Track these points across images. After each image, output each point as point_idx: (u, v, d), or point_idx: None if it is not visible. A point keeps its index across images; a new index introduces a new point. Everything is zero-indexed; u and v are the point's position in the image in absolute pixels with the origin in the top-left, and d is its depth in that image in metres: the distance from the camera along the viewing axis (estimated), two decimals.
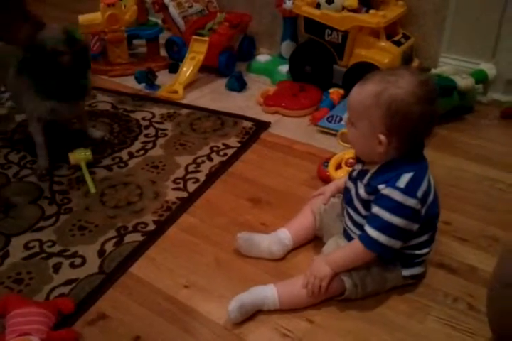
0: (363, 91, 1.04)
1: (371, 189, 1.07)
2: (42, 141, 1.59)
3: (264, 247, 1.25)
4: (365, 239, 1.06)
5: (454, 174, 1.55)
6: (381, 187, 1.04)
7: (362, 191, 1.09)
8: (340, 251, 1.12)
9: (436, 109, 1.05)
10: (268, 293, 1.11)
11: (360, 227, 1.12)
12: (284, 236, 1.26)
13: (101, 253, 1.29)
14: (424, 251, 1.14)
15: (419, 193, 1.04)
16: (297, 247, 1.28)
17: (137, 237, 1.34)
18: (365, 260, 1.09)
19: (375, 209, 1.05)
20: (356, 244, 1.08)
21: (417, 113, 1.01)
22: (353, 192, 1.13)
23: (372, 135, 1.04)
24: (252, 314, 1.11)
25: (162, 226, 1.37)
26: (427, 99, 1.02)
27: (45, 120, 1.57)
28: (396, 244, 1.06)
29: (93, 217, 1.41)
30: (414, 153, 1.08)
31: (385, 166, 1.07)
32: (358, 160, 1.16)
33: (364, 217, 1.10)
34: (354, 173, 1.15)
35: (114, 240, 1.33)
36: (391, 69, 1.13)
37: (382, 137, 1.02)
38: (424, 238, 1.12)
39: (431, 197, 1.08)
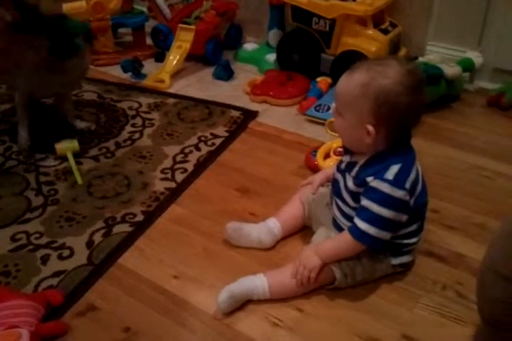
0: (351, 81, 1.03)
1: (359, 181, 1.07)
2: (25, 115, 1.57)
3: (253, 237, 1.25)
4: (355, 231, 1.07)
5: (441, 162, 1.56)
6: (369, 179, 1.04)
7: (350, 183, 1.09)
8: (331, 241, 1.13)
9: (423, 99, 1.05)
10: (258, 282, 1.11)
11: (349, 218, 1.12)
12: (273, 225, 1.26)
13: (89, 244, 1.28)
14: (413, 240, 1.14)
15: (408, 184, 1.04)
16: (287, 236, 1.28)
17: (125, 228, 1.33)
18: (356, 251, 1.09)
19: (364, 202, 1.05)
20: (346, 236, 1.08)
21: (405, 103, 1.00)
22: (341, 184, 1.13)
23: (360, 125, 1.03)
24: (242, 304, 1.11)
25: (150, 217, 1.37)
26: (414, 89, 1.01)
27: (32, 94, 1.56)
28: (386, 235, 1.06)
29: (81, 208, 1.40)
30: (401, 143, 1.07)
31: (373, 158, 1.07)
32: (345, 151, 1.16)
33: (353, 208, 1.10)
34: (342, 165, 1.14)
35: (102, 231, 1.32)
36: (378, 59, 1.12)
37: (370, 127, 1.02)
38: (413, 227, 1.13)
39: (419, 187, 1.09)
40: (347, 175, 1.11)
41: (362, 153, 1.09)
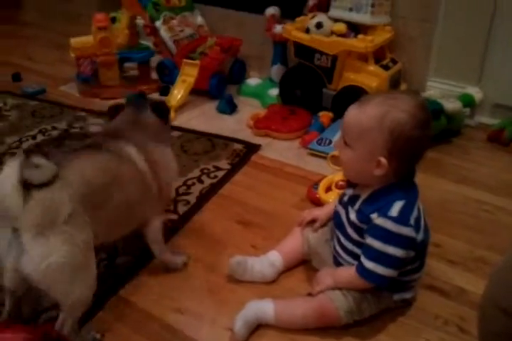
0: (364, 114, 1.03)
1: (363, 217, 1.07)
2: None
3: (256, 271, 1.24)
4: (362, 270, 1.06)
5: (442, 196, 1.56)
6: (373, 216, 1.04)
7: (353, 216, 1.09)
8: (347, 271, 1.12)
9: (431, 133, 1.06)
10: (266, 308, 1.12)
11: (350, 253, 1.12)
12: (274, 258, 1.26)
13: None
14: (415, 276, 1.14)
15: (412, 221, 1.04)
16: (288, 270, 1.28)
17: (129, 260, 1.33)
18: (365, 287, 1.09)
19: (369, 240, 1.05)
20: (353, 271, 1.08)
21: (418, 136, 1.02)
22: (343, 217, 1.13)
23: (372, 157, 1.03)
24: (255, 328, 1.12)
25: None
26: (426, 123, 1.03)
27: None
28: (393, 273, 1.06)
29: None
30: (406, 179, 1.08)
31: (376, 192, 1.07)
32: (348, 184, 1.17)
33: (355, 242, 1.10)
34: (345, 198, 1.15)
35: (105, 262, 1.32)
36: (389, 93, 1.12)
37: (383, 160, 1.02)
38: (415, 264, 1.12)
39: (422, 223, 1.09)
40: (349, 209, 1.11)
41: (365, 187, 1.10)
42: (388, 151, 1.02)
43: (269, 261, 1.25)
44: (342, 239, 1.14)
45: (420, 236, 1.07)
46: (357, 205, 1.10)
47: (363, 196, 1.09)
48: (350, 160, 1.08)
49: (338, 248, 1.16)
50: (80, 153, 1.09)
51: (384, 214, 1.03)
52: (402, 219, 1.03)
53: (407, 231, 1.03)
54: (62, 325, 1.04)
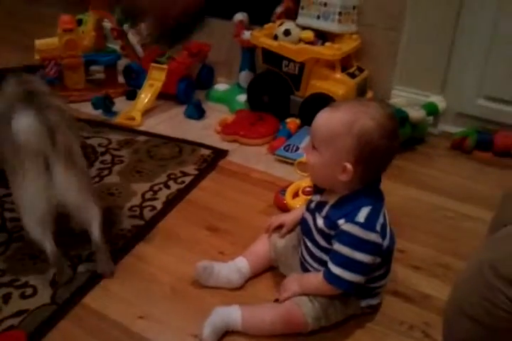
0: (333, 119, 1.04)
1: (330, 223, 1.07)
2: None
3: (222, 277, 1.24)
4: (329, 276, 1.07)
5: (407, 203, 1.59)
6: (340, 222, 1.04)
7: (321, 223, 1.09)
8: (314, 277, 1.11)
9: (397, 143, 1.07)
10: (233, 314, 1.11)
11: (317, 260, 1.12)
12: (242, 264, 1.25)
13: (53, 283, 1.25)
14: (381, 283, 1.15)
15: (378, 227, 1.05)
16: (255, 276, 1.27)
17: (91, 267, 1.30)
18: (333, 293, 1.09)
19: (336, 246, 1.05)
20: (321, 278, 1.08)
21: (385, 146, 1.03)
22: (311, 223, 1.14)
23: (337, 162, 1.04)
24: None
25: (117, 255, 1.34)
26: (393, 133, 1.04)
27: None
28: (360, 279, 1.06)
29: None
30: (372, 186, 1.09)
31: (343, 199, 1.08)
32: (315, 190, 1.17)
33: (322, 248, 1.11)
34: (312, 205, 1.15)
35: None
36: (360, 100, 1.13)
37: (348, 165, 1.03)
38: (381, 271, 1.13)
39: (388, 230, 1.10)
40: (317, 215, 1.11)
41: (332, 193, 1.10)
42: (354, 158, 1.03)
43: (236, 267, 1.25)
44: (310, 245, 1.14)
45: (386, 243, 1.08)
46: (324, 212, 1.10)
47: (330, 202, 1.10)
48: (316, 164, 1.08)
49: (305, 254, 1.17)
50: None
51: (351, 219, 1.04)
52: (368, 225, 1.04)
53: (374, 237, 1.04)
54: (100, 237, 1.26)
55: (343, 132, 1.02)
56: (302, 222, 1.19)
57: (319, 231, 1.10)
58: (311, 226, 1.13)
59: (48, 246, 1.22)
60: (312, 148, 1.08)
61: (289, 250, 1.24)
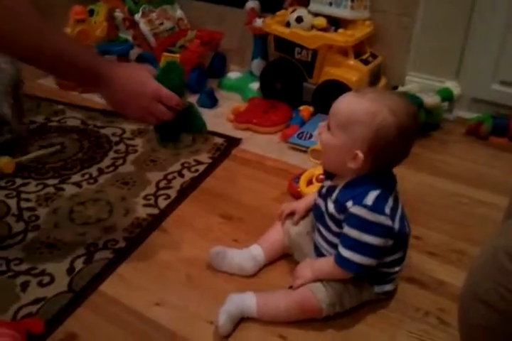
0: (357, 105, 1.03)
1: (340, 206, 1.07)
2: None
3: (235, 263, 1.24)
4: (340, 259, 1.07)
5: (422, 189, 1.58)
6: (349, 204, 1.04)
7: (331, 208, 1.09)
8: (326, 262, 1.11)
9: (412, 142, 1.07)
10: (248, 301, 1.12)
11: (332, 245, 1.12)
12: (257, 252, 1.26)
13: (70, 271, 1.26)
14: (396, 269, 1.15)
15: (387, 209, 1.05)
16: (269, 263, 1.28)
17: (107, 254, 1.32)
18: (344, 277, 1.09)
19: (346, 229, 1.06)
20: (332, 263, 1.08)
21: (399, 144, 1.03)
22: (323, 209, 1.14)
23: (350, 149, 1.03)
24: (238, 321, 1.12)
25: (133, 244, 1.36)
26: (412, 134, 1.04)
27: None
28: (371, 262, 1.06)
29: (62, 234, 1.39)
30: (383, 170, 1.09)
31: (352, 182, 1.08)
32: (326, 176, 1.17)
33: (336, 234, 1.11)
34: (323, 190, 1.15)
35: (83, 258, 1.30)
36: (387, 92, 1.11)
37: (360, 154, 1.03)
38: (396, 256, 1.13)
39: (399, 213, 1.09)
40: (328, 200, 1.11)
41: (342, 177, 1.10)
42: (368, 148, 1.03)
43: (250, 255, 1.25)
44: (323, 230, 1.14)
45: (397, 225, 1.07)
46: (334, 196, 1.10)
47: (340, 186, 1.10)
48: (329, 145, 1.08)
49: (319, 239, 1.17)
50: None
51: (359, 202, 1.04)
52: (376, 207, 1.03)
53: (383, 219, 1.04)
54: None
55: (364, 121, 1.01)
56: (314, 209, 1.19)
57: (330, 216, 1.10)
58: (324, 212, 1.13)
59: None
60: (328, 128, 1.07)
61: (303, 237, 1.24)
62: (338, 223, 1.08)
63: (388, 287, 1.16)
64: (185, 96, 1.19)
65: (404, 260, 1.16)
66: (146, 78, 1.08)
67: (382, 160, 1.05)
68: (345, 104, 1.05)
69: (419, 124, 1.07)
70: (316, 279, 1.11)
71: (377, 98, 1.03)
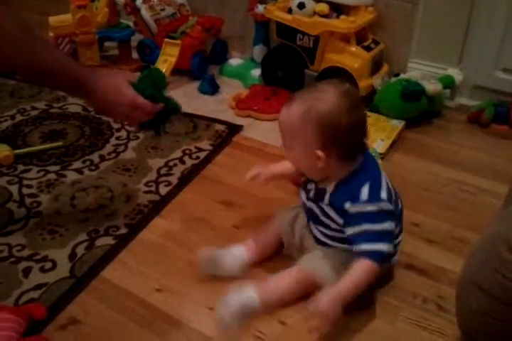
0: (290, 114, 1.06)
1: (338, 210, 1.08)
2: None
3: (227, 266, 1.21)
4: (365, 254, 1.04)
5: (423, 176, 1.58)
6: (347, 206, 1.06)
7: (329, 211, 1.10)
8: (349, 280, 1.04)
9: (362, 115, 1.08)
10: (249, 299, 1.10)
11: (332, 238, 1.14)
12: (241, 254, 1.23)
13: (72, 257, 1.28)
14: (396, 241, 1.15)
15: (383, 194, 1.06)
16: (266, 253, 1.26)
17: (109, 241, 1.33)
18: (372, 276, 1.05)
19: (355, 228, 1.06)
20: (360, 266, 1.04)
21: (346, 122, 1.02)
22: (317, 211, 1.14)
23: (310, 152, 1.05)
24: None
25: (134, 230, 1.37)
26: (352, 108, 1.03)
27: None
28: (389, 246, 1.07)
29: (64, 220, 1.40)
30: (358, 159, 1.09)
31: (341, 184, 1.09)
32: (308, 179, 1.16)
33: (336, 230, 1.12)
34: (311, 194, 1.15)
35: (85, 244, 1.32)
36: (312, 86, 1.11)
37: (319, 152, 1.04)
38: (397, 229, 1.15)
39: (392, 191, 1.11)
40: (321, 204, 1.12)
41: (326, 179, 1.11)
42: (322, 143, 1.04)
43: (238, 257, 1.22)
44: (322, 229, 1.16)
45: (394, 205, 1.09)
46: (326, 200, 1.11)
47: (329, 189, 1.10)
48: (295, 161, 1.12)
49: (320, 236, 1.17)
50: None
51: (356, 201, 1.05)
52: (374, 197, 1.05)
53: (383, 205, 1.05)
54: None
55: (302, 123, 1.04)
56: (307, 211, 1.19)
57: (330, 218, 1.11)
58: (319, 214, 1.14)
59: None
60: (286, 148, 1.10)
61: (305, 230, 1.23)
62: (339, 220, 1.10)
63: (396, 257, 1.18)
64: (162, 94, 1.29)
65: (402, 231, 1.18)
66: (125, 88, 1.18)
67: (343, 146, 1.05)
68: (281, 119, 1.09)
69: (358, 98, 1.07)
70: (342, 304, 1.02)
71: (303, 97, 1.06)
